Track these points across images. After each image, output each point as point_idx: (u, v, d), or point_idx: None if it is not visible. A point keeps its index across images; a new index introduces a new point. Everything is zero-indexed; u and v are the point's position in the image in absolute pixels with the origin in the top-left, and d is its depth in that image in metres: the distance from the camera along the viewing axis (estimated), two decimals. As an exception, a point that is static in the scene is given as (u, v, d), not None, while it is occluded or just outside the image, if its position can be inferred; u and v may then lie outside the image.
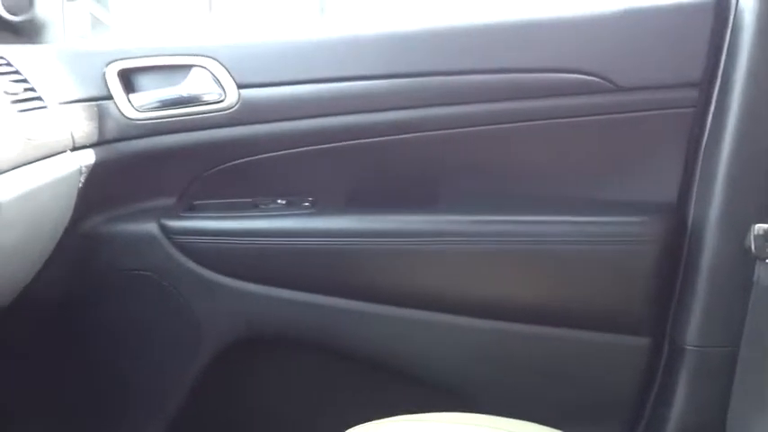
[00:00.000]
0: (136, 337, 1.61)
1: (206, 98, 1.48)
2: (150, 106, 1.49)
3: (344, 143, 1.49)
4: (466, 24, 1.46)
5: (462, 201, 1.51)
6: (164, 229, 1.52)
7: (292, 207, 1.53)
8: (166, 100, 1.49)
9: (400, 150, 1.51)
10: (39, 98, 1.35)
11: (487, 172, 1.52)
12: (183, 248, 1.52)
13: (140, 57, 1.49)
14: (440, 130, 1.47)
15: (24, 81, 1.35)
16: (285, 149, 1.51)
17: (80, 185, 1.43)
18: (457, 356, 1.54)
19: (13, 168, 1.22)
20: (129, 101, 1.48)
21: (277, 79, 1.48)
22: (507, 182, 1.51)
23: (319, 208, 1.52)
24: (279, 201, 1.54)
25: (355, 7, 3.08)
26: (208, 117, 1.48)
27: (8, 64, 1.35)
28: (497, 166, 1.52)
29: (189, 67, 1.48)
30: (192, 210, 1.56)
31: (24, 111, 1.29)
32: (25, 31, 1.46)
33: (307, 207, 1.52)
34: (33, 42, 1.47)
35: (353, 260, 1.50)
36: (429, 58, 1.45)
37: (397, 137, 1.48)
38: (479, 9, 1.52)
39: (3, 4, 1.43)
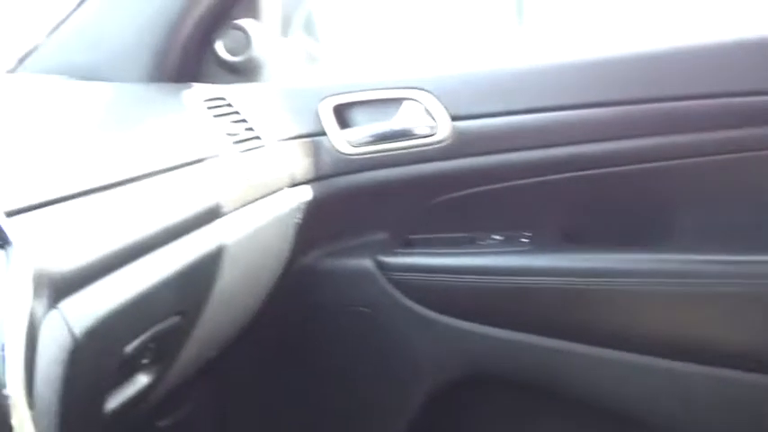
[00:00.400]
0: (352, 372, 1.60)
1: (419, 131, 1.46)
2: (364, 141, 1.49)
3: (563, 175, 1.42)
4: (692, 45, 1.36)
5: (686, 237, 1.40)
6: (380, 265, 1.51)
7: (510, 243, 1.48)
8: (380, 134, 1.48)
9: (621, 182, 1.43)
10: (257, 137, 1.37)
11: (714, 205, 1.40)
12: (399, 285, 1.50)
13: (352, 92, 1.49)
14: (665, 160, 1.37)
15: (244, 121, 1.38)
16: (501, 183, 1.46)
17: (298, 221, 1.44)
18: (676, 403, 1.43)
19: (236, 209, 1.24)
20: (343, 136, 1.48)
21: (492, 110, 1.44)
22: (734, 215, 1.39)
23: (537, 244, 1.46)
24: (495, 236, 1.49)
25: (553, 13, 2.97)
26: (421, 151, 1.46)
27: (228, 105, 1.38)
28: (725, 198, 1.40)
29: (401, 100, 1.47)
30: (407, 245, 1.54)
31: (245, 151, 1.31)
32: (243, 71, 1.49)
33: (524, 243, 1.47)
34: (251, 81, 1.50)
35: (572, 300, 1.42)
36: (651, 82, 1.35)
37: (617, 168, 1.40)
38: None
39: (223, 45, 1.47)
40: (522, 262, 1.44)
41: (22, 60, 1.37)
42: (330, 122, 1.48)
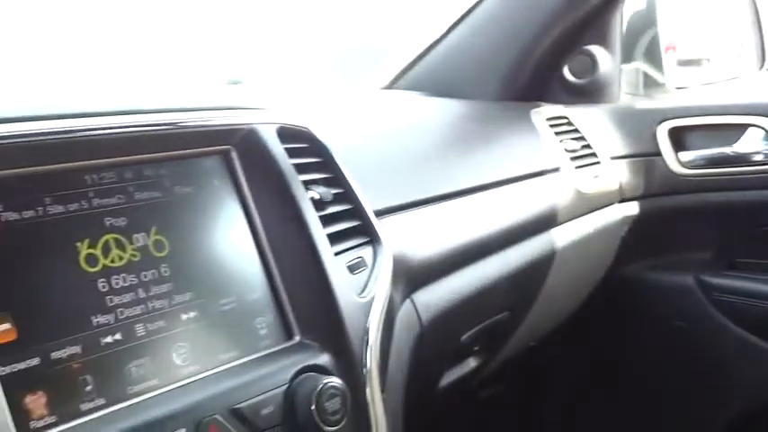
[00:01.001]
0: (658, 381, 1.46)
1: (758, 158, 1.27)
2: (698, 163, 1.34)
3: None
4: None
5: None
6: (701, 283, 1.35)
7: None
8: (716, 158, 1.33)
9: None
10: (594, 154, 1.29)
11: None
12: (720, 305, 1.33)
13: (692, 116, 1.34)
14: None
15: (582, 139, 1.30)
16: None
17: (623, 234, 1.34)
18: None
19: (568, 220, 1.18)
20: (678, 158, 1.34)
21: None
22: None
23: None
24: None
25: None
26: (759, 177, 1.28)
27: (569, 123, 1.31)
28: None
29: (742, 126, 1.29)
30: (732, 267, 1.36)
31: (581, 167, 1.23)
32: (586, 93, 1.41)
33: None
34: (592, 102, 1.42)
35: None
36: None
37: None
38: None
39: (569, 69, 1.40)
40: None
41: (395, 80, 1.41)
42: (666, 144, 1.34)
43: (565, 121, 1.31)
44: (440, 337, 0.94)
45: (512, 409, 1.67)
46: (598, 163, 1.29)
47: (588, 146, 1.30)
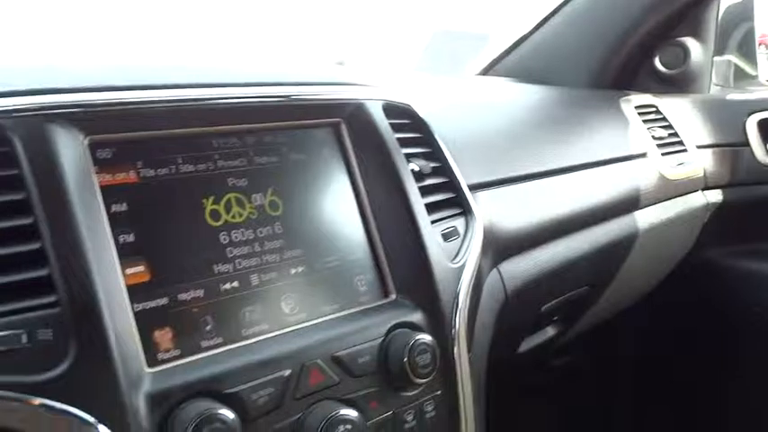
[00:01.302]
0: (731, 363, 1.40)
1: None
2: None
3: None
4: None
5: None
6: None
7: None
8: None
9: None
10: (680, 142, 1.23)
11: None
12: None
13: None
14: None
15: (670, 127, 1.25)
16: None
17: (705, 221, 1.28)
18: None
19: (652, 204, 1.14)
20: (766, 149, 1.27)
21: None
22: None
23: None
24: None
25: None
26: None
27: (658, 112, 1.26)
28: None
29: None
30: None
31: (667, 153, 1.19)
32: (676, 83, 1.35)
33: None
34: (681, 92, 1.35)
35: None
36: None
37: None
38: None
39: (660, 59, 1.34)
40: None
41: (489, 66, 1.39)
42: (754, 135, 1.27)
43: (653, 109, 1.26)
44: (522, 307, 0.93)
45: (583, 378, 1.64)
46: (684, 150, 1.23)
47: (675, 134, 1.24)
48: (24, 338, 0.46)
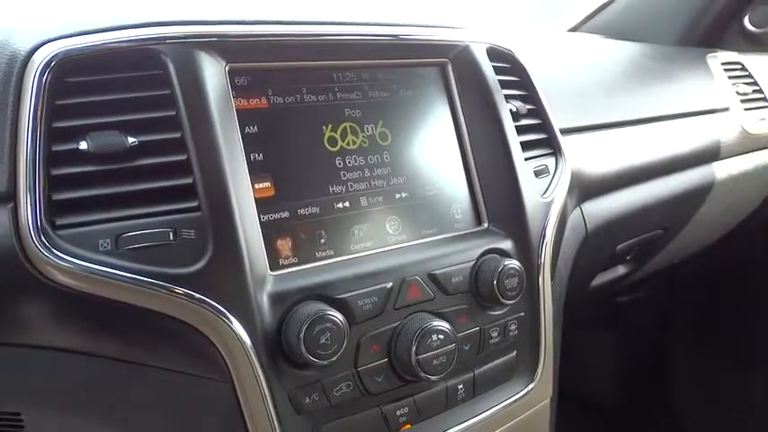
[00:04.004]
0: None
1: None
2: None
3: None
4: None
5: None
6: None
7: None
8: None
9: None
10: (764, 99, 1.13)
11: None
12: None
13: None
14: None
15: (755, 84, 1.14)
16: None
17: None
18: None
19: (731, 156, 1.05)
20: None
21: None
22: None
23: None
24: None
25: None
26: None
27: (743, 69, 1.16)
28: None
29: None
30: None
31: (750, 109, 1.09)
32: (764, 42, 1.22)
33: None
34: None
35: None
36: None
37: None
38: None
39: (749, 19, 1.22)
40: None
41: (580, 23, 1.30)
42: (839, 93, 1.15)
43: (739, 66, 1.16)
44: (600, 244, 0.89)
45: (646, 316, 1.58)
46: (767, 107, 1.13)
47: (759, 90, 1.14)
48: (171, 236, 0.47)
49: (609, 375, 1.67)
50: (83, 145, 0.47)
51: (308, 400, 0.50)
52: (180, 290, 0.46)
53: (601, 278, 1.04)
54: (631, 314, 1.57)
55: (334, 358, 0.49)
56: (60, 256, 0.44)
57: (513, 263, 0.59)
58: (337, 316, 0.49)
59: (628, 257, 1.03)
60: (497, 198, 0.63)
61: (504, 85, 0.66)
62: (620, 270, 1.08)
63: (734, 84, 1.11)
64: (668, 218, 1.01)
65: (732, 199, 1.13)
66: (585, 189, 0.80)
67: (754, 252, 1.32)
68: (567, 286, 0.80)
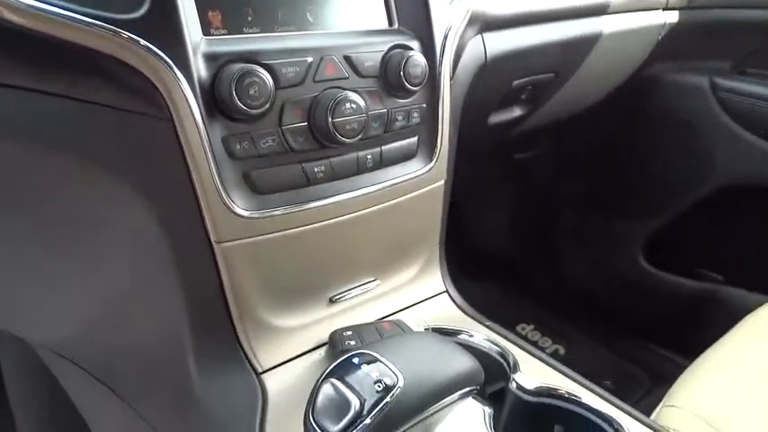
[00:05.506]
0: (661, 164, 1.49)
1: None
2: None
3: None
4: None
5: None
6: (713, 84, 1.33)
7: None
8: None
9: None
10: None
11: None
12: (724, 103, 1.32)
13: None
14: None
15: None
16: None
17: (659, 38, 1.31)
18: None
19: (617, 12, 1.15)
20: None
21: None
22: None
23: None
24: None
25: None
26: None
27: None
28: None
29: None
30: (742, 74, 1.33)
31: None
32: None
33: None
34: None
35: None
36: None
37: None
38: None
39: None
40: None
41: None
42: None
43: None
44: (497, 75, 0.98)
45: (538, 172, 1.74)
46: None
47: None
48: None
49: (502, 225, 1.85)
50: None
51: (239, 146, 0.58)
52: (125, 34, 0.51)
53: (498, 116, 1.15)
54: (526, 171, 1.73)
55: (261, 110, 0.56)
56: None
57: (418, 55, 0.67)
58: (265, 74, 0.56)
59: (522, 96, 1.15)
60: (408, 2, 0.70)
61: None
62: (516, 111, 1.19)
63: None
64: (559, 61, 1.12)
65: (617, 54, 1.25)
66: (487, 21, 0.88)
67: (632, 108, 1.48)
68: (467, 116, 0.89)
